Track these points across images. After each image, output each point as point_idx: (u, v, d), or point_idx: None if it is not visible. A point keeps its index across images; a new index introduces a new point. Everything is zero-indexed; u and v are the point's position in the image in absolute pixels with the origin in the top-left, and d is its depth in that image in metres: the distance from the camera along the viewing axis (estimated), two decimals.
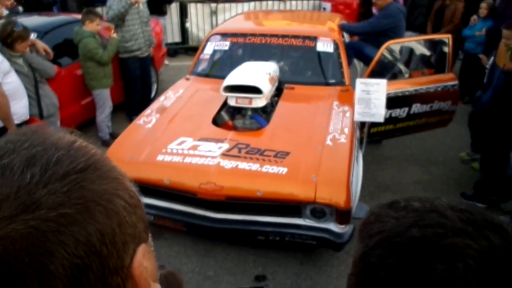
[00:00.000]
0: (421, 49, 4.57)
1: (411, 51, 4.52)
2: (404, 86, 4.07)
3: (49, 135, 0.45)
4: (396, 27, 4.66)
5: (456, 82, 4.26)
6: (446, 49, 4.29)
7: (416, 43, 4.55)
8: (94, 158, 0.45)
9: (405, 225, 0.49)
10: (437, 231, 0.47)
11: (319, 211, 2.74)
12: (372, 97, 3.27)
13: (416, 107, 4.16)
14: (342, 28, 4.81)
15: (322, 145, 3.01)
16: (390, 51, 4.19)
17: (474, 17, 5.90)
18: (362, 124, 3.71)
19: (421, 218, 0.49)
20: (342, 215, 2.70)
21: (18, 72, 3.38)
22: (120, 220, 0.44)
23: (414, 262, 0.45)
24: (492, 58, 4.43)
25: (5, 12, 5.75)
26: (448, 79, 4.25)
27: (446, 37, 4.34)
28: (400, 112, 4.14)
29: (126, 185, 0.48)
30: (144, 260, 0.47)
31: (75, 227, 0.40)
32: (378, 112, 3.29)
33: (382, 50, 3.99)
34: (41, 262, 0.38)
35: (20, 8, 6.02)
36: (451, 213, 0.48)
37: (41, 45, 3.81)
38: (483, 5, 5.79)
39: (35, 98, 3.59)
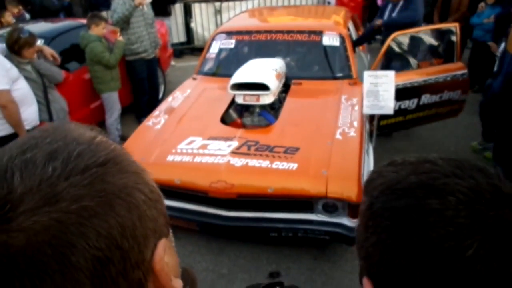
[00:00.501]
0: (428, 39, 4.54)
1: (418, 41, 4.49)
2: (412, 77, 4.04)
3: (70, 131, 0.46)
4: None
5: (465, 71, 4.23)
6: (454, 38, 4.27)
7: (423, 33, 4.50)
8: (114, 152, 0.46)
9: (404, 174, 0.57)
10: (431, 175, 0.55)
11: (331, 205, 2.73)
12: (380, 89, 3.25)
13: (426, 98, 4.13)
14: (386, 23, 4.79)
15: (331, 140, 2.99)
16: (398, 43, 4.16)
17: (482, 4, 5.82)
18: (372, 117, 3.69)
19: (417, 168, 0.57)
20: (354, 209, 2.68)
21: (26, 78, 3.42)
22: (140, 213, 0.45)
23: (413, 201, 0.53)
24: (502, 45, 4.37)
25: (13, 20, 5.82)
26: (457, 68, 4.22)
27: (454, 26, 4.32)
28: (410, 104, 4.11)
29: (146, 180, 0.48)
30: (165, 255, 0.48)
31: (96, 219, 0.40)
32: (387, 104, 3.27)
33: (389, 41, 3.96)
34: (63, 254, 0.38)
35: (27, 15, 6.08)
36: (442, 161, 0.57)
37: (49, 51, 3.85)
38: None
39: (44, 104, 3.63)
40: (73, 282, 0.39)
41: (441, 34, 4.52)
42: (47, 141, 0.44)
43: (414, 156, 0.61)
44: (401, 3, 4.80)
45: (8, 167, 0.41)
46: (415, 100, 4.12)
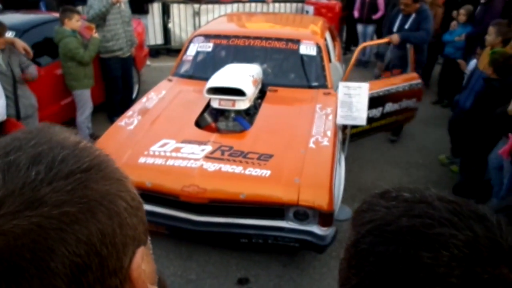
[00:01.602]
0: (393, 52, 4.98)
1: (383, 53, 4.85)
2: (378, 86, 4.21)
3: (55, 135, 0.46)
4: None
5: (419, 80, 4.62)
6: (409, 50, 4.69)
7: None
8: (98, 159, 0.46)
9: (396, 214, 0.52)
10: (425, 221, 0.49)
11: (302, 213, 2.75)
12: (354, 100, 3.31)
13: (389, 106, 4.35)
14: (403, 37, 4.81)
15: (305, 148, 3.02)
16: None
17: (454, 22, 6.03)
18: (344, 126, 3.75)
19: (410, 208, 0.52)
20: (325, 217, 2.71)
21: None
22: (121, 221, 0.45)
23: (402, 250, 0.48)
24: (473, 62, 4.55)
25: None
26: (412, 78, 4.58)
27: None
28: (376, 112, 4.29)
29: (128, 187, 0.49)
30: (143, 262, 0.48)
31: (77, 225, 0.41)
32: (360, 115, 3.33)
33: (357, 53, 4.14)
34: (42, 258, 0.38)
35: None
36: (438, 203, 0.51)
37: (21, 44, 3.73)
38: (462, 11, 5.92)
39: (12, 99, 3.51)
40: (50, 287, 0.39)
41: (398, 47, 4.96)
42: (31, 143, 0.43)
43: (410, 191, 0.56)
44: (413, 16, 4.94)
45: None
46: (380, 109, 4.32)
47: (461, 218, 0.49)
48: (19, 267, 0.38)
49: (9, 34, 3.57)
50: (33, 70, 3.75)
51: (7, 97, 3.38)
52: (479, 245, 0.47)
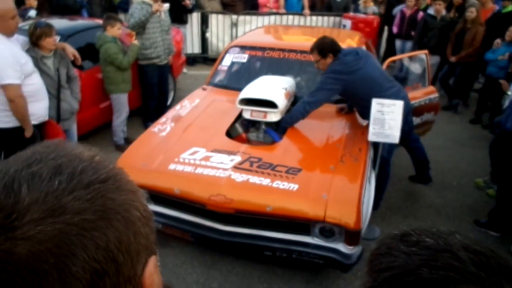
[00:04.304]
0: (413, 66, 4.93)
1: (406, 68, 4.95)
2: None
3: (72, 149, 0.49)
4: (353, 84, 3.41)
5: (436, 94, 4.65)
6: (425, 64, 4.65)
7: (408, 61, 5.00)
8: (113, 171, 0.49)
9: (416, 263, 0.47)
10: (448, 274, 0.45)
11: (328, 230, 2.71)
12: (387, 117, 3.24)
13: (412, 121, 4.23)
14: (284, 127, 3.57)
15: (335, 164, 2.98)
16: (391, 68, 4.55)
17: (498, 40, 5.83)
18: (376, 144, 3.68)
19: (433, 258, 0.47)
20: (351, 235, 2.66)
21: (44, 73, 3.47)
22: (135, 230, 0.47)
23: None
24: None
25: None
26: (431, 92, 4.60)
27: (423, 53, 4.70)
28: None
29: (141, 199, 0.51)
30: (154, 272, 0.50)
31: (96, 232, 0.43)
32: (392, 133, 3.25)
33: (385, 66, 4.18)
34: (64, 263, 0.40)
35: (33, 11, 6.10)
36: (464, 254, 0.47)
37: (71, 50, 3.88)
38: (511, 28, 5.71)
39: (55, 101, 3.66)
40: None
41: (419, 62, 4.91)
42: (52, 156, 0.46)
43: (433, 236, 0.51)
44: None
45: (15, 178, 0.43)
46: None
47: (489, 273, 0.44)
48: (43, 270, 0.39)
49: (55, 33, 3.73)
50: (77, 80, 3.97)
51: (50, 99, 3.52)
52: None
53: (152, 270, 0.49)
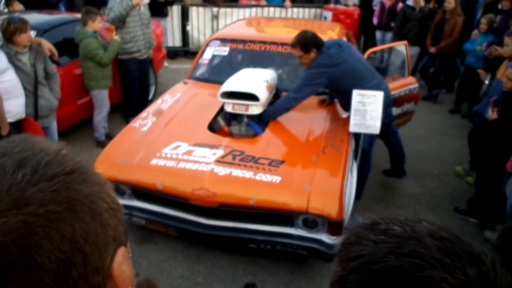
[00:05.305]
0: (393, 57, 5.04)
1: (386, 59, 5.12)
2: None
3: (37, 143, 0.49)
4: (338, 77, 3.39)
5: (417, 84, 4.69)
6: (405, 55, 4.72)
7: (388, 51, 5.13)
8: (79, 163, 0.49)
9: (384, 251, 0.49)
10: (414, 261, 0.46)
11: (311, 221, 2.73)
12: (368, 108, 3.27)
13: (393, 111, 4.26)
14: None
15: (317, 155, 3.00)
16: (371, 59, 4.59)
17: (476, 31, 5.93)
18: (357, 135, 3.71)
19: (399, 245, 0.48)
20: (334, 226, 2.69)
21: (20, 70, 3.38)
22: (102, 221, 0.48)
23: None
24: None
25: (20, 7, 5.75)
26: (410, 82, 4.63)
27: (403, 44, 4.76)
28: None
29: (108, 191, 0.51)
30: (123, 263, 0.50)
31: (61, 223, 0.43)
32: (373, 124, 3.29)
33: (366, 57, 4.18)
34: (29, 254, 0.41)
35: (20, 6, 5.97)
36: (430, 241, 0.48)
37: (47, 45, 3.79)
38: (483, 20, 5.83)
39: (32, 98, 3.57)
40: (37, 282, 0.41)
41: (398, 52, 5.03)
42: (16, 150, 0.46)
43: (400, 224, 0.52)
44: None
45: None
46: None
47: (453, 258, 0.46)
48: (7, 261, 0.39)
49: (31, 34, 3.64)
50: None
51: (26, 96, 3.45)
52: None
53: (121, 260, 0.49)
